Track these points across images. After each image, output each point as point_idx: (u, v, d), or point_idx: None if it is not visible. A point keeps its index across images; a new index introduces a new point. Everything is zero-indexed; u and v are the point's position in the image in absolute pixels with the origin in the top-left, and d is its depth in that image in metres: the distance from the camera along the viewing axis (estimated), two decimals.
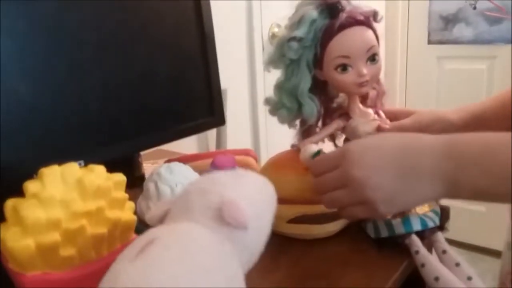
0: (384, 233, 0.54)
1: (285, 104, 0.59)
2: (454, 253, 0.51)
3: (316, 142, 0.59)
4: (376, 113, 0.61)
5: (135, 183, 0.66)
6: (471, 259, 2.06)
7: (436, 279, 0.47)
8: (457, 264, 0.49)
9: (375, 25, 0.57)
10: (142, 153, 0.85)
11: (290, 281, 0.49)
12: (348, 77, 0.55)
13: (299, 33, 0.55)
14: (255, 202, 0.40)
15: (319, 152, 0.54)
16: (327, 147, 0.61)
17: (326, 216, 0.55)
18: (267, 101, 0.62)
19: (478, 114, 0.63)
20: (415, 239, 0.52)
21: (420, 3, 2.18)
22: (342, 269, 0.51)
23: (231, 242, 0.36)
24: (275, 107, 0.61)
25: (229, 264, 0.35)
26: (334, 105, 0.63)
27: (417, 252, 0.51)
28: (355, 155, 0.46)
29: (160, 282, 0.29)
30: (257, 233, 0.39)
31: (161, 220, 0.39)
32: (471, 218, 2.06)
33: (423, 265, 0.49)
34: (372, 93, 0.62)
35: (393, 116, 0.63)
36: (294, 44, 0.55)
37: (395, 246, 0.53)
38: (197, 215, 0.37)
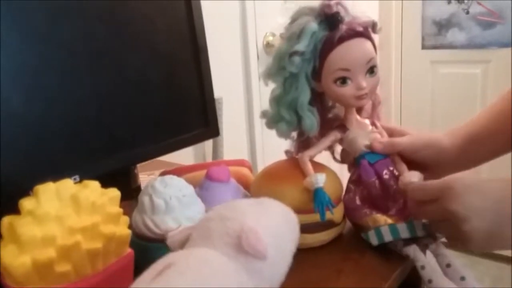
0: (388, 237, 0.53)
1: (284, 118, 0.58)
2: (459, 266, 0.50)
3: (314, 156, 0.59)
4: (373, 124, 0.61)
5: (132, 195, 0.66)
6: (469, 262, 2.06)
7: None
8: (462, 278, 0.48)
9: (373, 35, 0.56)
10: (138, 164, 0.85)
11: None
12: (348, 90, 0.55)
13: (301, 47, 0.54)
14: (276, 231, 0.39)
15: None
16: (324, 158, 0.62)
17: (319, 225, 0.56)
18: (264, 114, 0.61)
19: (472, 137, 0.61)
20: (419, 254, 0.51)
21: (413, 9, 2.20)
22: (335, 277, 0.52)
23: (248, 272, 0.35)
24: (273, 120, 0.60)
25: None
26: (331, 115, 0.62)
27: (423, 267, 0.49)
28: (456, 192, 0.47)
29: None
30: (276, 264, 0.38)
31: (182, 245, 0.39)
32: None
33: (430, 281, 0.48)
34: (368, 104, 0.61)
35: (387, 133, 0.62)
36: (297, 59, 0.54)
37: (389, 253, 0.53)
38: (215, 241, 0.36)
